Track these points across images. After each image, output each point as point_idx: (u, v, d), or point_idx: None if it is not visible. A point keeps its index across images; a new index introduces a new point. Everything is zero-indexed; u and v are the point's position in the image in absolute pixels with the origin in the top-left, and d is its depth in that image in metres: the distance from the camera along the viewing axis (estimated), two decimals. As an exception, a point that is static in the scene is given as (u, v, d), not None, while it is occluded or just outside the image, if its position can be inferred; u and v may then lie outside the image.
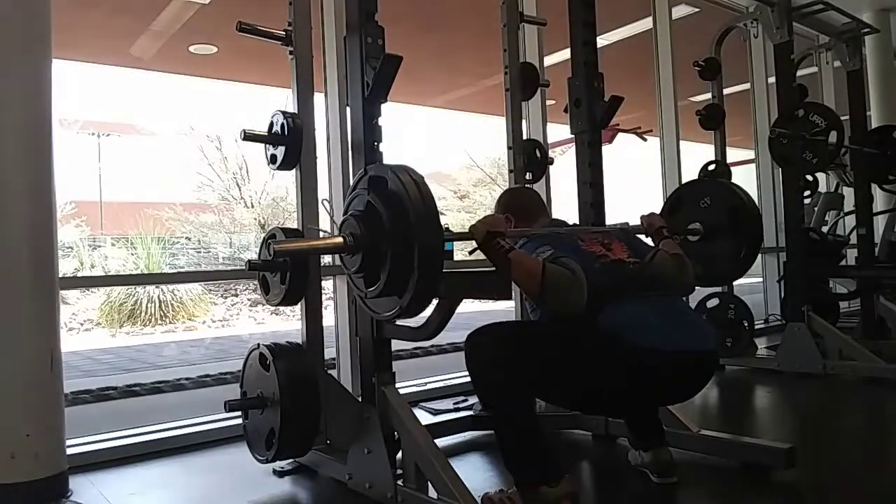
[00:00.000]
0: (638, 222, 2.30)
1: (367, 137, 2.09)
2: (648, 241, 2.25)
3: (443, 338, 3.31)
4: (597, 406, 2.06)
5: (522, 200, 2.35)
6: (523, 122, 3.23)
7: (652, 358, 1.78)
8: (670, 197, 2.75)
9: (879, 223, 4.93)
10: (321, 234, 2.39)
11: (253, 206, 12.59)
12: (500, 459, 2.44)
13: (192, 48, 6.15)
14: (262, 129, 2.43)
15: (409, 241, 1.63)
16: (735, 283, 4.05)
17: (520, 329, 1.96)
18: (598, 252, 1.99)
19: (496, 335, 1.87)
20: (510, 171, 3.03)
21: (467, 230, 1.86)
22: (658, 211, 2.45)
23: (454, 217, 14.79)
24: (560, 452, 1.96)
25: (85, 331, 10.13)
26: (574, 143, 2.73)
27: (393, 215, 1.68)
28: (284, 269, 2.29)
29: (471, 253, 1.88)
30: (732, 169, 4.25)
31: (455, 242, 2.05)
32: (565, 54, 2.80)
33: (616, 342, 1.78)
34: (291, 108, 2.44)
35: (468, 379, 3.53)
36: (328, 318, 2.67)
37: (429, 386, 3.47)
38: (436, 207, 1.68)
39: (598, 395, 1.89)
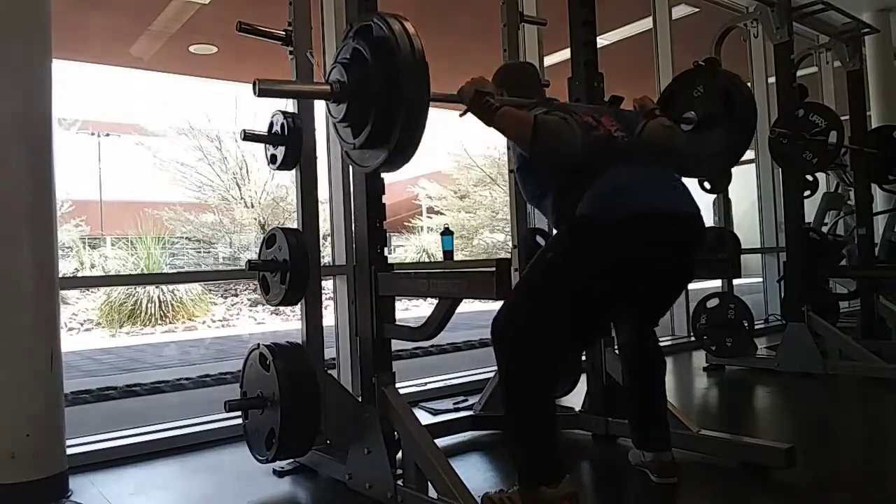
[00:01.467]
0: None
1: (367, 137, 2.09)
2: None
3: (443, 338, 3.31)
4: (618, 299, 1.93)
5: (516, 74, 2.29)
6: (523, 122, 3.23)
7: (645, 219, 1.79)
8: (664, 91, 2.70)
9: (879, 223, 4.93)
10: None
11: (253, 206, 12.60)
12: (502, 458, 2.45)
13: (192, 48, 6.16)
14: (262, 129, 2.44)
15: (395, 86, 1.61)
16: (735, 282, 4.06)
17: (530, 301, 1.85)
18: (590, 122, 1.97)
19: (516, 332, 1.80)
20: (510, 171, 3.02)
21: (455, 93, 1.83)
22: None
23: (454, 217, 14.79)
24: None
25: (85, 331, 10.12)
26: (574, 143, 2.72)
27: (379, 61, 1.65)
28: (284, 269, 2.29)
29: (461, 115, 1.83)
30: (732, 169, 4.24)
31: (454, 243, 2.04)
32: (565, 54, 2.80)
33: (609, 213, 1.79)
34: (291, 108, 2.44)
35: (468, 379, 3.59)
36: (328, 318, 2.67)
37: (429, 386, 3.47)
38: (423, 52, 1.63)
39: (615, 288, 1.83)
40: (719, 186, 4.08)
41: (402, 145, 1.66)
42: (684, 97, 2.54)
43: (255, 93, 1.66)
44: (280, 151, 2.38)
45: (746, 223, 5.68)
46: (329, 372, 2.42)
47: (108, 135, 15.41)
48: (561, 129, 1.76)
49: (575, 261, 1.82)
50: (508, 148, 3.03)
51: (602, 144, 1.92)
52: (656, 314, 2.13)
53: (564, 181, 1.90)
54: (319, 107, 2.93)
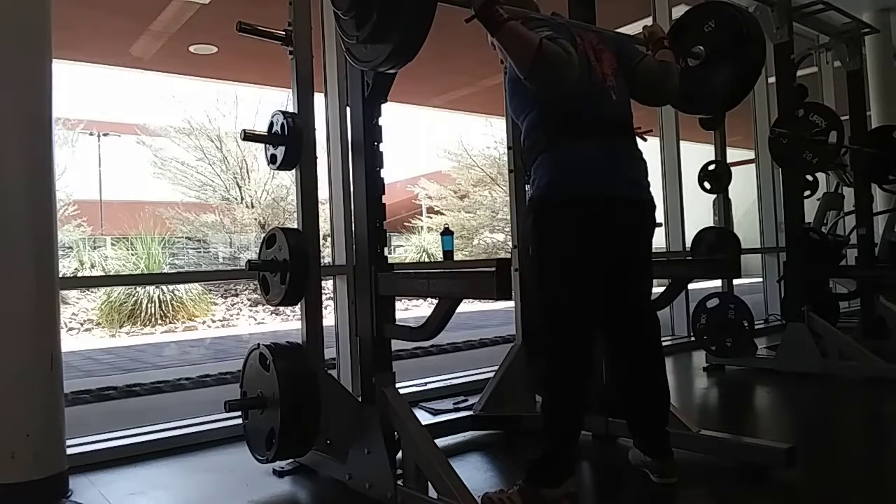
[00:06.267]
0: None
1: (367, 137, 2.10)
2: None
3: (443, 338, 3.31)
4: (598, 266, 1.98)
5: None
6: (523, 122, 3.22)
7: (589, 201, 1.90)
8: (674, 25, 2.69)
9: (879, 223, 4.93)
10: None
11: (253, 206, 12.60)
12: (502, 458, 2.45)
13: (192, 48, 6.16)
14: (263, 128, 2.44)
15: None
16: (735, 282, 4.06)
17: (542, 296, 1.99)
18: (590, 58, 1.97)
19: (546, 328, 1.97)
20: (510, 171, 3.03)
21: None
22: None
23: (454, 217, 14.80)
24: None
25: (85, 331, 10.12)
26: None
27: None
28: (284, 269, 2.29)
29: (467, 21, 1.76)
30: (732, 169, 4.25)
31: (454, 243, 2.05)
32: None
33: (557, 192, 1.91)
34: (291, 108, 2.44)
35: (468, 379, 3.59)
36: (328, 318, 2.67)
37: (429, 386, 3.47)
38: None
39: (588, 255, 1.92)
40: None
41: (407, 39, 1.65)
42: (695, 31, 2.52)
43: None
44: (280, 151, 2.38)
45: (746, 223, 5.69)
46: (329, 372, 2.42)
47: (107, 135, 15.42)
48: (562, 63, 1.74)
49: (547, 242, 1.94)
50: (509, 148, 3.03)
51: (591, 100, 1.95)
52: (630, 296, 2.09)
53: (544, 110, 1.96)
54: (319, 107, 2.94)
